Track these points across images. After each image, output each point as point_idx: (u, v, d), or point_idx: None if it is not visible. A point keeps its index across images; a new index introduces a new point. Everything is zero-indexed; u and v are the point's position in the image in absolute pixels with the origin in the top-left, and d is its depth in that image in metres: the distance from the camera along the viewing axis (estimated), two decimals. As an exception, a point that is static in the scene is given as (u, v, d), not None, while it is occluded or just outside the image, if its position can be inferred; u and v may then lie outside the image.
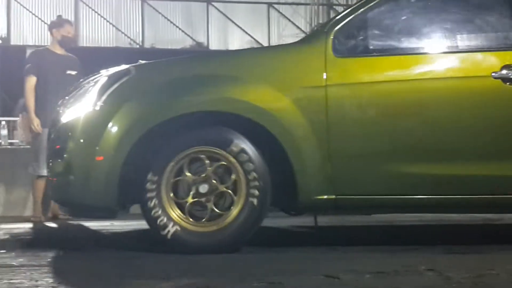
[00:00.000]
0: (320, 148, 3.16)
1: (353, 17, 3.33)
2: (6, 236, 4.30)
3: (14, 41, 15.07)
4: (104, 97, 3.17)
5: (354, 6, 3.44)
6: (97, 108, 3.16)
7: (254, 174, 3.12)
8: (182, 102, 3.22)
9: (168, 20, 11.03)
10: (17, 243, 3.93)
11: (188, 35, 16.34)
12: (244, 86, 3.26)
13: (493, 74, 3.19)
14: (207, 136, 3.19)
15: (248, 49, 4.27)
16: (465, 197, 3.26)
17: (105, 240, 4.23)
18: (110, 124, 3.12)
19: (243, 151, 3.13)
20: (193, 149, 3.15)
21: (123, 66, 3.37)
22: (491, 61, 3.27)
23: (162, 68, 3.48)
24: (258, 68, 3.37)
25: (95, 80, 3.33)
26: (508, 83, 3.19)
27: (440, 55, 3.38)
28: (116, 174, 3.10)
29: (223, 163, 3.14)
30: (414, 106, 3.27)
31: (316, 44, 3.33)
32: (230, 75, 3.32)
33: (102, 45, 14.21)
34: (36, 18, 11.74)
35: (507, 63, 3.20)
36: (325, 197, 3.18)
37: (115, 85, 3.20)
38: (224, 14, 17.23)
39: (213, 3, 17.13)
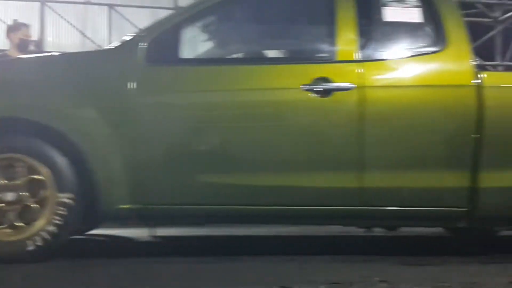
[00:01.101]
0: (124, 157, 3.11)
1: (170, 26, 3.30)
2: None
3: (-22, 46, 14.76)
4: None
5: (172, 15, 3.49)
6: None
7: (62, 185, 3.07)
8: None
9: (135, 26, 10.95)
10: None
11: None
12: (47, 91, 3.19)
13: (304, 86, 3.19)
14: (12, 143, 3.14)
15: (63, 53, 4.17)
16: (278, 208, 3.25)
17: None
18: None
19: (49, 160, 3.09)
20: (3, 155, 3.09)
21: None
22: (303, 73, 3.24)
23: None
24: (66, 73, 3.27)
25: None
26: (319, 95, 3.19)
27: (252, 66, 3.35)
28: None
29: (33, 175, 3.09)
30: (224, 116, 3.26)
31: (128, 51, 3.27)
32: (35, 79, 3.23)
33: (68, 51, 14.02)
34: (2, 22, 11.57)
35: (318, 75, 3.21)
36: (129, 206, 3.13)
37: None
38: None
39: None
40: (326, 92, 3.20)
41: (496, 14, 14.64)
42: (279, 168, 3.22)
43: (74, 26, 11.53)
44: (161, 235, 4.46)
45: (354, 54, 3.29)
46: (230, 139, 3.25)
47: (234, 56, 3.56)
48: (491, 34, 14.39)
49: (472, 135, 3.20)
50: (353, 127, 3.21)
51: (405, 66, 3.34)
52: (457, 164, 3.23)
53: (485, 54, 14.59)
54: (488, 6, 14.69)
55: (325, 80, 3.21)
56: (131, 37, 3.37)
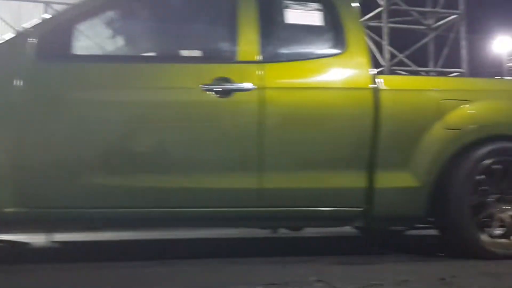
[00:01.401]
0: (9, 158, 2.96)
1: (62, 21, 3.19)
2: None
3: None
4: None
5: (65, 10, 3.32)
6: None
7: None
8: None
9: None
10: None
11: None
12: None
13: (203, 86, 3.15)
14: None
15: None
16: (177, 210, 3.17)
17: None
18: None
19: None
20: None
21: None
22: (203, 73, 3.20)
23: None
24: None
25: None
26: (219, 96, 3.16)
27: (150, 65, 3.30)
28: None
29: None
30: (117, 116, 3.12)
31: (16, 46, 3.12)
32: None
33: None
34: None
35: (219, 75, 3.19)
36: (14, 209, 2.97)
37: None
38: None
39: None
40: (226, 93, 3.17)
41: (430, 21, 15.18)
42: (178, 170, 3.15)
43: (8, 24, 11.12)
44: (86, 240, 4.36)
45: (255, 55, 3.28)
46: (123, 139, 3.13)
47: (132, 54, 3.42)
48: (424, 41, 14.90)
49: (369, 137, 3.26)
50: (253, 128, 3.19)
51: (306, 68, 3.36)
52: (354, 165, 3.28)
53: (418, 60, 15.11)
54: (422, 14, 15.21)
55: (226, 80, 3.19)
56: (20, 32, 3.21)
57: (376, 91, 3.32)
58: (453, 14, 14.73)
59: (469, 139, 3.39)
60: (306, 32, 3.47)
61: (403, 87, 3.50)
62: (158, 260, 3.35)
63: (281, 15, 3.40)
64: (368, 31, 14.94)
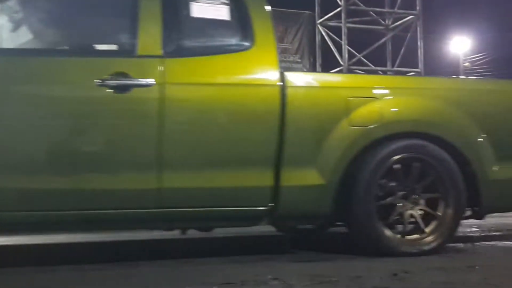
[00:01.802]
0: None
1: None
2: None
3: None
4: None
5: None
6: None
7: None
8: None
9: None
10: None
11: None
12: None
13: (99, 81, 3.00)
14: None
15: None
16: (74, 213, 3.03)
17: None
18: None
19: None
20: None
21: None
22: (100, 68, 3.05)
23: None
24: None
25: None
26: (116, 92, 3.02)
27: (44, 59, 3.08)
28: None
29: None
30: (10, 111, 2.94)
31: None
32: None
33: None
34: None
35: (116, 70, 3.05)
36: None
37: None
38: None
39: None
40: (124, 89, 3.03)
41: (388, 22, 15.44)
42: (72, 170, 3.00)
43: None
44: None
45: (156, 50, 3.14)
46: (12, 137, 2.94)
47: (25, 47, 3.17)
48: (382, 41, 15.15)
49: (275, 135, 3.20)
50: (152, 125, 3.06)
51: (210, 64, 3.25)
52: (260, 163, 3.21)
53: (377, 60, 15.36)
54: (380, 14, 15.46)
55: (124, 75, 3.03)
56: None
57: (283, 88, 3.25)
58: (410, 14, 15.04)
59: (376, 136, 3.36)
60: (212, 26, 3.37)
61: (311, 84, 3.45)
62: (111, 262, 3.31)
63: (187, 8, 3.28)
64: (327, 31, 15.13)
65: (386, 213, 3.36)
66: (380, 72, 14.56)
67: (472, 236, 4.48)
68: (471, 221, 3.84)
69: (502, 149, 3.55)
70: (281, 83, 3.27)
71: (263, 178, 3.20)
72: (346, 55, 14.25)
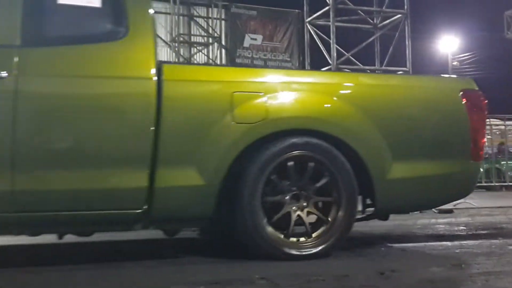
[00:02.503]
0: None
1: None
2: None
3: None
4: None
5: None
6: None
7: None
8: None
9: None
10: None
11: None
12: None
13: None
14: None
15: None
16: None
17: None
18: None
19: None
20: None
21: None
22: None
23: None
24: None
25: None
26: None
27: None
28: None
29: None
30: None
31: None
32: None
33: None
34: None
35: None
36: None
37: None
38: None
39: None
40: None
41: (376, 21, 15.49)
42: None
43: None
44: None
45: (11, 39, 2.88)
46: None
47: None
48: (370, 40, 15.19)
49: (150, 132, 2.97)
50: (4, 122, 2.80)
51: (75, 54, 2.99)
52: (132, 162, 2.97)
53: (365, 59, 15.40)
54: (368, 13, 15.50)
55: None
56: None
57: (159, 81, 3.03)
58: (398, 13, 15.08)
59: (262, 133, 3.14)
60: (81, 13, 3.10)
61: (191, 78, 3.22)
62: (94, 263, 3.26)
63: None
64: (316, 30, 15.15)
65: (275, 215, 3.17)
66: (368, 71, 14.59)
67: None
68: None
69: (399, 147, 3.37)
70: (157, 76, 3.03)
71: (136, 179, 2.95)
72: (335, 54, 14.26)
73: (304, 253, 3.17)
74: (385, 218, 3.66)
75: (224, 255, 3.46)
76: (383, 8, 15.19)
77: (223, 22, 18.27)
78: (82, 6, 3.07)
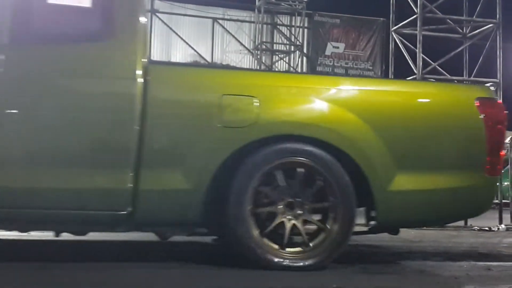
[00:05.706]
0: None
1: None
2: None
3: None
4: None
5: None
6: None
7: None
8: None
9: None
10: None
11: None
12: None
13: None
14: None
15: None
16: None
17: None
18: None
19: None
20: None
21: None
22: None
23: None
24: None
25: None
26: None
27: None
28: None
29: None
30: None
31: None
32: None
33: None
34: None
35: None
36: None
37: None
38: (168, 26, 17.19)
39: (157, 14, 17.08)
40: None
41: (465, 30, 14.85)
42: None
43: None
44: None
45: None
46: None
47: None
48: (459, 49, 14.58)
49: (135, 133, 2.93)
50: None
51: (60, 53, 2.99)
52: (117, 163, 2.94)
53: (452, 69, 14.78)
54: (458, 22, 14.89)
55: None
56: None
57: (145, 82, 2.98)
58: (490, 23, 14.38)
59: (251, 138, 3.02)
60: (69, 13, 3.11)
61: (178, 79, 3.16)
62: (97, 264, 3.22)
63: None
64: (401, 38, 14.75)
65: (265, 223, 3.02)
66: (455, 81, 14.00)
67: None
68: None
69: (403, 156, 3.16)
70: (143, 77, 2.99)
71: (121, 180, 2.92)
72: (421, 64, 13.82)
73: (295, 264, 3.00)
74: (395, 232, 3.42)
75: (231, 261, 3.24)
76: (474, 17, 14.54)
77: (305, 30, 18.23)
78: (72, 5, 3.10)
